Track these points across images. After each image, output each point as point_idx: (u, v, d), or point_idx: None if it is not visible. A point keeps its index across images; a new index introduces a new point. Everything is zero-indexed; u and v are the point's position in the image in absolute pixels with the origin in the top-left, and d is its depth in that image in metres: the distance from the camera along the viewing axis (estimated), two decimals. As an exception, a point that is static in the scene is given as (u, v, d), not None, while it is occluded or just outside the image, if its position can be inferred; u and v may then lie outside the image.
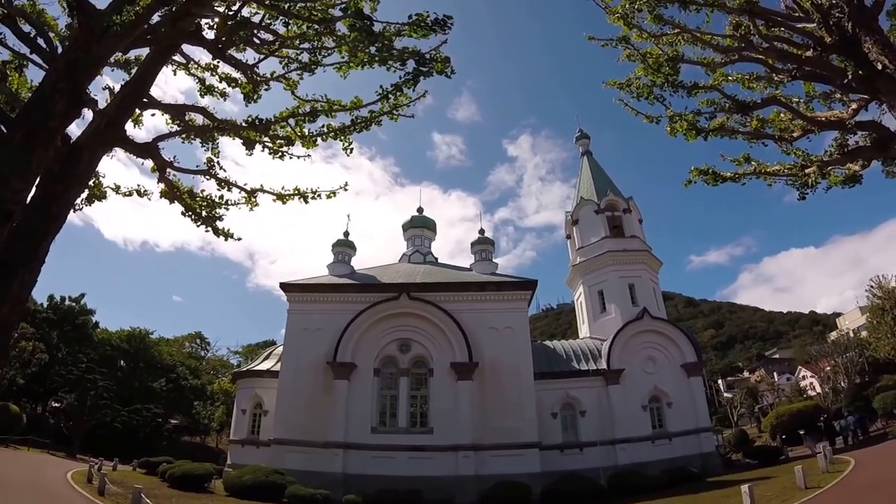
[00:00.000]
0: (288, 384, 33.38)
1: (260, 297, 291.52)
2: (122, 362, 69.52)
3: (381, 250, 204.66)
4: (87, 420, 49.75)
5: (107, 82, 9.07)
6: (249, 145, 9.80)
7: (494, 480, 28.39)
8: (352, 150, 9.82)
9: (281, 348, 37.69)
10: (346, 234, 41.53)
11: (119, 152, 9.91)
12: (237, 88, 10.12)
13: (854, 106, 10.29)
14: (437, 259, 47.04)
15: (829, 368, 62.49)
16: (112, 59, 9.51)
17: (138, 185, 10.66)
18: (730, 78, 11.02)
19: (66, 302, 64.86)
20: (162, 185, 10.27)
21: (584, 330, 44.27)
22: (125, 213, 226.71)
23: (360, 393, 32.74)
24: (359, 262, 41.52)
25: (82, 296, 66.37)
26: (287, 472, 28.55)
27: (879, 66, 8.85)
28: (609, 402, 36.22)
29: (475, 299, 35.64)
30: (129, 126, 9.05)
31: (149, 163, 9.79)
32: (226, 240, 10.97)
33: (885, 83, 8.88)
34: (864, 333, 60.83)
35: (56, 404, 53.02)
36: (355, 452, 31.09)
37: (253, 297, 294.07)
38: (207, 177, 10.33)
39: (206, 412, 67.47)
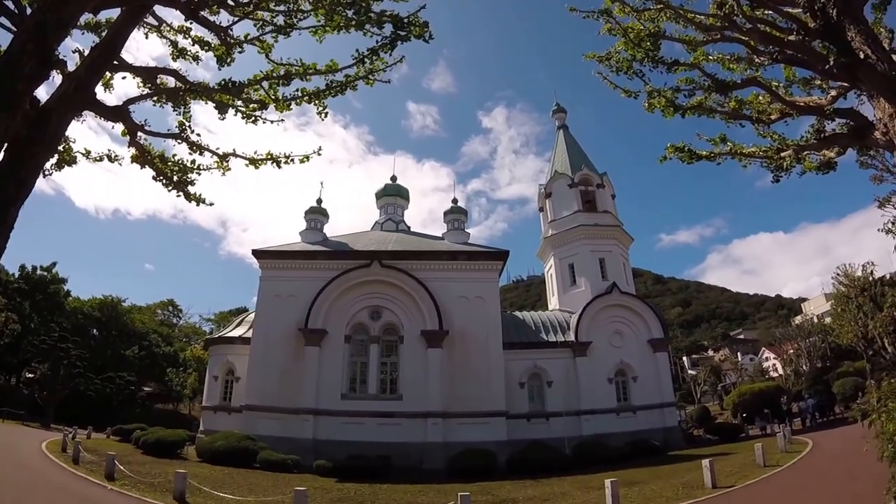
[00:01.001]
0: (259, 351, 33.45)
1: (232, 265, 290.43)
2: (94, 331, 69.11)
3: (354, 219, 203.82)
4: (61, 390, 49.50)
5: (77, 46, 9.06)
6: (222, 109, 9.64)
7: (462, 447, 28.77)
8: (326, 114, 9.67)
9: (253, 315, 37.60)
10: (319, 201, 41.36)
11: (89, 118, 9.84)
12: (210, 52, 10.05)
13: (833, 93, 10.38)
14: (409, 228, 47.07)
15: (791, 351, 64.10)
16: (82, 22, 9.39)
17: (109, 150, 10.44)
18: (710, 58, 11.00)
19: (38, 271, 64.23)
20: (132, 150, 10.05)
21: (553, 302, 44.96)
22: (97, 181, 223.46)
23: (331, 360, 32.91)
24: (332, 231, 41.47)
25: (54, 265, 65.81)
26: (258, 438, 28.79)
27: (862, 56, 8.89)
28: (576, 374, 36.98)
29: (447, 268, 35.79)
30: (99, 90, 9.03)
31: (119, 127, 9.77)
32: (197, 205, 10.81)
33: (866, 72, 8.93)
34: (827, 320, 62.11)
35: (30, 375, 52.35)
36: (326, 418, 31.36)
37: (225, 264, 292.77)
38: (179, 140, 10.12)
39: (178, 379, 67.28)
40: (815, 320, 73.56)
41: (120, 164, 10.61)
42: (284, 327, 33.37)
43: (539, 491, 20.51)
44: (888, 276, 41.29)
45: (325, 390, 32.09)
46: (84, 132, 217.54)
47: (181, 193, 10.61)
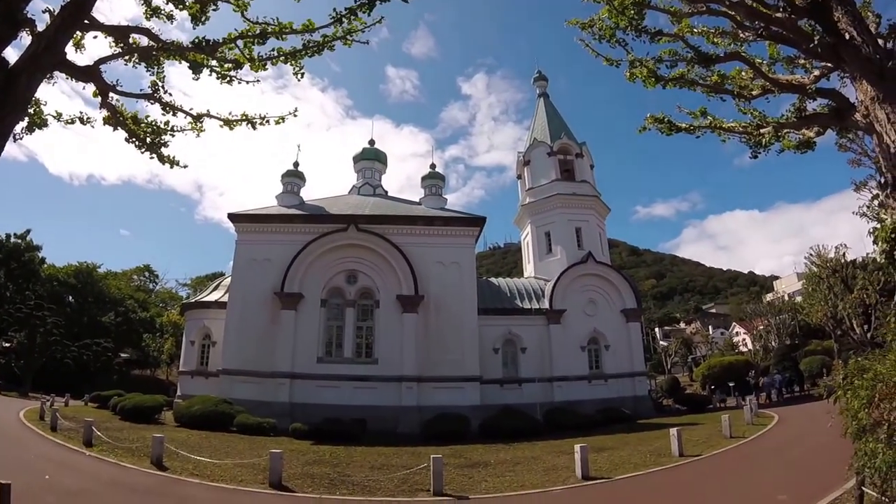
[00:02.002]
0: (236, 315, 33.32)
1: (208, 230, 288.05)
2: (70, 298, 68.43)
3: (331, 183, 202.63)
4: (38, 358, 49.28)
5: (46, 6, 8.84)
6: (196, 69, 9.44)
7: (436, 411, 29.13)
8: (303, 75, 9.49)
9: (229, 279, 37.35)
10: (296, 164, 40.87)
11: (61, 81, 9.69)
12: (184, 10, 9.87)
13: (816, 73, 10.39)
14: (387, 192, 46.75)
15: (762, 327, 65.10)
16: (53, -20, 9.25)
17: (81, 113, 10.28)
18: (695, 30, 10.88)
19: (12, 239, 63.05)
20: (104, 111, 9.89)
21: (529, 269, 45.21)
22: (70, 147, 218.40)
23: (307, 324, 32.93)
24: (309, 194, 41.14)
25: (28, 232, 64.66)
26: (235, 401, 28.87)
27: (847, 37, 8.95)
28: (549, 341, 37.47)
29: (423, 233, 35.73)
30: (70, 51, 8.85)
31: (91, 88, 9.60)
32: (171, 167, 10.71)
33: (851, 53, 8.99)
34: (798, 298, 63.32)
35: (6, 344, 51.93)
36: (301, 382, 31.51)
37: (201, 229, 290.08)
38: (152, 101, 9.93)
39: (155, 345, 67.07)
40: (786, 298, 75.18)
41: (92, 127, 10.42)
42: (261, 291, 33.24)
43: (511, 455, 20.90)
44: (860, 259, 41.99)
45: (301, 354, 32.18)
46: (56, 96, 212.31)
47: (154, 155, 10.48)
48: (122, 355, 64.78)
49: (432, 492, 13.62)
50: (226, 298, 35.67)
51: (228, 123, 10.54)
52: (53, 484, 13.00)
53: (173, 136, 10.56)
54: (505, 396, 34.44)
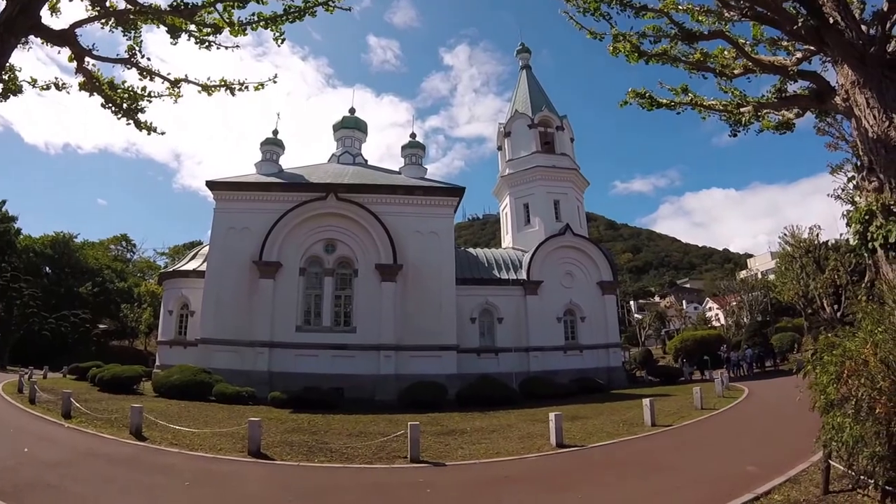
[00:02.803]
0: (214, 284, 33.11)
1: (186, 198, 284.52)
2: (47, 269, 67.52)
3: (310, 152, 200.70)
4: (15, 330, 48.80)
5: None
6: (174, 33, 9.39)
7: (413, 379, 29.20)
8: (283, 41, 9.48)
9: (207, 248, 37.11)
10: (276, 132, 40.25)
11: (36, 47, 9.48)
12: None
13: (799, 55, 10.54)
14: (366, 161, 46.46)
15: (734, 304, 66.42)
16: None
17: (56, 79, 10.17)
18: (680, 7, 10.81)
19: (-13, 210, 61.94)
20: (80, 77, 9.85)
21: (507, 240, 45.42)
22: (46, 115, 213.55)
23: (286, 292, 32.86)
24: (288, 163, 40.75)
25: (3, 202, 63.56)
26: (214, 371, 28.83)
27: (831, 21, 9.08)
28: (526, 312, 37.91)
29: (402, 203, 35.60)
30: (45, 14, 8.68)
31: (66, 52, 9.42)
32: (148, 133, 10.68)
33: (834, 37, 9.12)
34: (771, 277, 64.39)
35: None
36: (280, 351, 31.53)
37: (179, 198, 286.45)
38: (128, 66, 9.85)
39: (133, 315, 66.58)
40: (760, 276, 76.51)
41: (68, 93, 10.33)
42: (239, 260, 33.03)
43: (486, 422, 21.15)
44: (833, 241, 42.75)
45: (279, 323, 32.16)
46: (32, 63, 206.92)
47: (131, 121, 10.41)
48: (101, 326, 64.29)
49: (409, 458, 13.80)
50: (204, 267, 35.37)
51: (207, 89, 10.47)
52: (32, 456, 12.99)
53: (150, 101, 10.49)
54: (482, 366, 34.78)
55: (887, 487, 7.04)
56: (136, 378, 29.85)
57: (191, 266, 39.40)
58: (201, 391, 26.87)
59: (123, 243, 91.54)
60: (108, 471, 12.07)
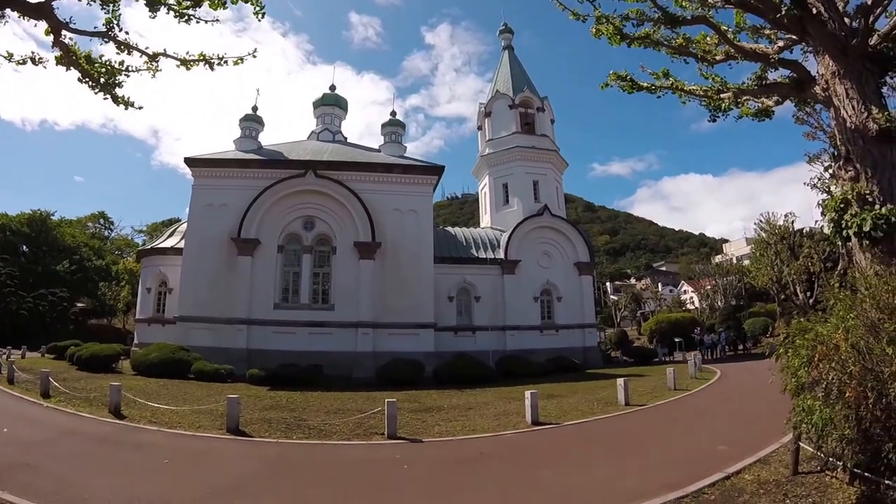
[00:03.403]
0: (192, 261, 32.86)
1: (165, 175, 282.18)
2: (23, 247, 66.38)
3: (290, 129, 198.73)
4: None
5: None
6: (153, 5, 9.27)
7: (391, 357, 29.33)
8: (263, 15, 9.40)
9: (185, 225, 36.72)
10: (255, 108, 39.62)
11: (12, 22, 9.29)
12: None
13: (780, 44, 10.66)
14: (346, 139, 46.01)
15: (709, 287, 67.23)
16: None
17: (33, 53, 9.98)
18: None
19: (-38, 188, 60.92)
20: (57, 50, 9.70)
21: (485, 220, 45.61)
22: (22, 91, 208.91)
23: (264, 270, 32.70)
24: (267, 140, 40.29)
25: (-22, 181, 62.48)
26: (192, 348, 28.72)
27: (814, 11, 9.23)
28: (503, 291, 38.18)
29: (382, 180, 35.44)
30: None
31: (43, 26, 9.28)
32: (126, 108, 10.57)
33: (816, 28, 9.28)
34: (746, 262, 65.12)
35: None
36: (258, 328, 31.43)
37: (157, 174, 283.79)
38: (106, 39, 9.74)
39: (111, 293, 65.82)
40: (734, 261, 77.33)
41: (45, 68, 10.17)
42: (217, 237, 32.73)
43: (463, 400, 21.41)
44: (807, 229, 43.43)
45: (257, 300, 32.04)
46: (8, 38, 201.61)
47: (108, 96, 10.28)
48: (78, 305, 63.50)
49: (386, 435, 13.92)
50: (182, 244, 35.08)
51: (185, 63, 10.38)
52: (11, 437, 12.93)
53: (128, 76, 10.37)
54: (459, 344, 35.05)
55: (855, 470, 7.25)
56: (115, 356, 29.68)
57: (169, 243, 39.15)
58: (180, 369, 26.79)
59: (101, 221, 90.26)
60: (88, 449, 12.06)
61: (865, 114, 8.75)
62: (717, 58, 11.19)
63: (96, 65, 10.04)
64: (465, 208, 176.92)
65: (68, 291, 60.49)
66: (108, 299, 66.01)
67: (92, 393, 19.37)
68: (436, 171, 37.49)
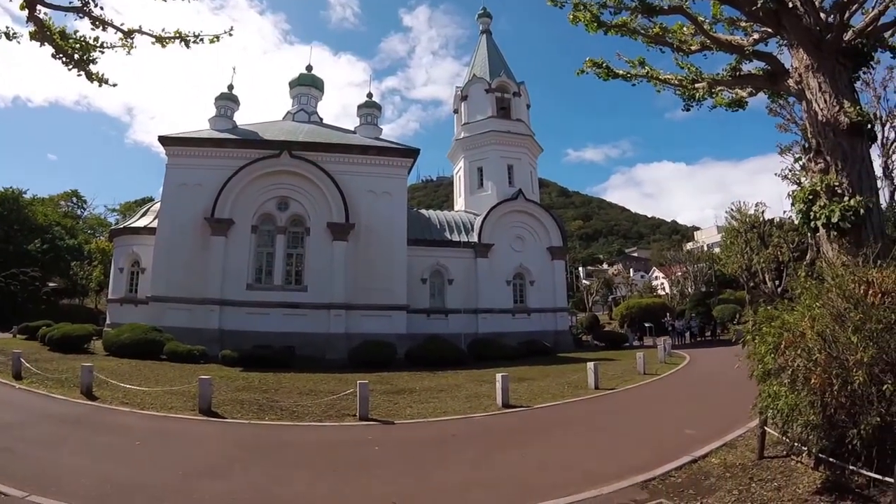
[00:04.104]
0: (165, 241, 32.50)
1: (139, 154, 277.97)
2: None
3: (265, 109, 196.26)
4: None
5: None
6: None
7: (363, 338, 29.44)
8: None
9: (159, 205, 36.04)
10: (231, 87, 39.06)
11: None
12: None
13: (756, 36, 10.77)
14: (321, 120, 45.59)
15: (680, 274, 68.28)
16: None
17: (7, 28, 9.75)
18: None
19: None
20: (32, 25, 9.48)
21: (459, 203, 45.64)
22: None
23: (238, 250, 32.52)
24: (242, 119, 39.71)
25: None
26: (165, 329, 28.46)
27: (790, 5, 9.34)
28: (476, 274, 38.45)
29: (357, 162, 35.34)
30: None
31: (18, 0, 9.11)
32: (100, 85, 10.38)
33: (792, 21, 9.38)
34: (716, 250, 65.95)
35: None
36: (231, 309, 31.32)
37: (131, 153, 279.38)
38: (81, 15, 9.51)
39: (83, 273, 64.72)
40: (705, 248, 78.57)
41: (18, 43, 9.96)
42: (191, 216, 32.40)
43: (435, 382, 21.61)
44: (778, 219, 44.14)
45: (231, 281, 31.84)
46: None
47: (82, 73, 10.13)
48: (50, 285, 62.16)
49: (358, 417, 13.99)
50: (155, 224, 34.60)
51: (161, 41, 10.25)
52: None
53: (103, 52, 10.20)
54: (431, 326, 35.34)
55: (820, 455, 7.43)
56: (87, 337, 29.21)
57: (142, 223, 38.59)
58: (152, 350, 26.54)
59: (74, 199, 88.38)
60: (60, 431, 11.95)
61: (837, 107, 8.91)
62: (693, 48, 11.26)
63: (70, 41, 9.87)
64: (439, 191, 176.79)
65: (40, 271, 59.40)
66: (81, 279, 64.89)
67: (64, 374, 19.12)
68: (411, 153, 37.41)
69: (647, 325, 46.64)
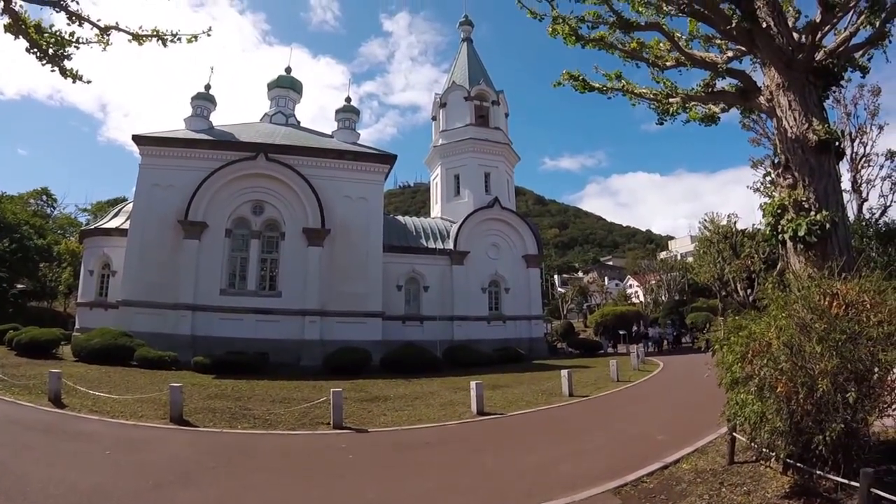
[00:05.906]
0: (137, 243, 31.80)
1: (112, 152, 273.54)
2: None
3: (242, 110, 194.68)
4: None
5: None
6: None
7: (338, 345, 29.21)
8: None
9: (131, 205, 35.56)
10: (208, 87, 38.54)
11: None
12: None
13: (730, 54, 11.07)
14: (299, 122, 45.28)
15: (654, 282, 69.16)
16: None
17: (-20, 20, 9.71)
18: None
19: None
20: (6, 18, 9.40)
21: (436, 210, 45.75)
22: None
23: (211, 254, 32.03)
24: (219, 120, 39.25)
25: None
26: (136, 334, 27.93)
27: (764, 25, 9.57)
28: (451, 281, 38.58)
29: (333, 167, 35.13)
30: None
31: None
32: (74, 81, 10.24)
33: (764, 41, 9.59)
34: (689, 259, 66.97)
35: None
36: (204, 314, 30.84)
37: (104, 151, 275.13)
38: (57, 9, 9.50)
39: (52, 275, 63.59)
40: (679, 257, 79.38)
41: (-8, 35, 9.85)
42: (164, 218, 31.85)
43: (410, 389, 21.60)
44: (749, 229, 44.89)
45: (203, 285, 31.36)
46: None
47: (56, 68, 10.05)
48: (18, 286, 61.00)
49: (332, 425, 13.92)
50: (127, 225, 33.98)
51: (138, 38, 10.22)
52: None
53: (78, 48, 10.16)
54: (406, 333, 35.32)
55: (788, 460, 7.61)
56: (55, 342, 28.38)
57: (113, 224, 37.83)
58: (123, 355, 26.03)
59: (44, 197, 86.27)
60: (27, 439, 11.74)
61: (806, 125, 9.15)
62: (668, 63, 11.49)
63: (45, 35, 9.80)
64: (416, 197, 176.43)
65: (7, 272, 58.22)
66: (49, 281, 63.73)
67: (31, 380, 18.70)
68: (388, 159, 37.40)
69: (621, 332, 46.98)
